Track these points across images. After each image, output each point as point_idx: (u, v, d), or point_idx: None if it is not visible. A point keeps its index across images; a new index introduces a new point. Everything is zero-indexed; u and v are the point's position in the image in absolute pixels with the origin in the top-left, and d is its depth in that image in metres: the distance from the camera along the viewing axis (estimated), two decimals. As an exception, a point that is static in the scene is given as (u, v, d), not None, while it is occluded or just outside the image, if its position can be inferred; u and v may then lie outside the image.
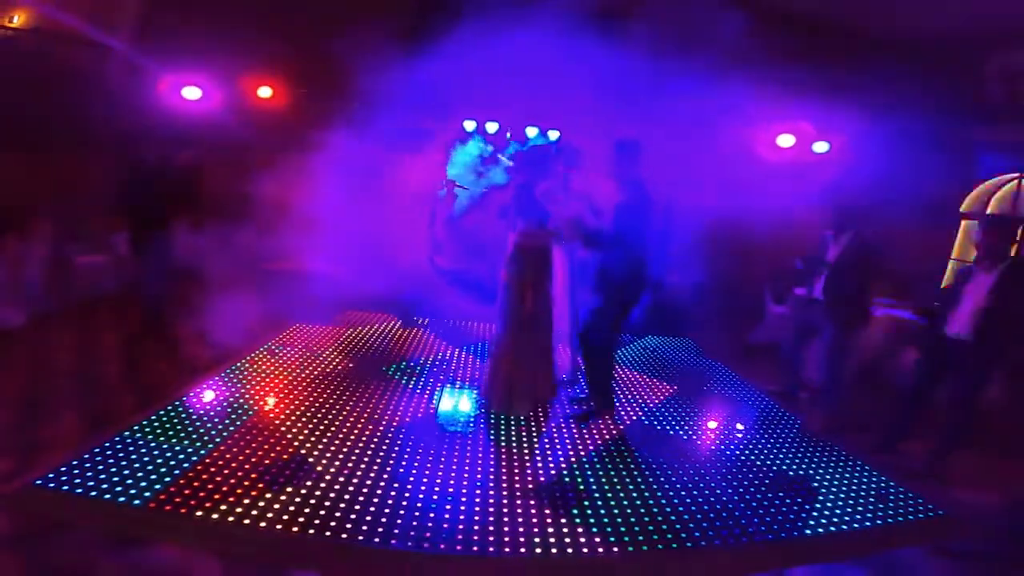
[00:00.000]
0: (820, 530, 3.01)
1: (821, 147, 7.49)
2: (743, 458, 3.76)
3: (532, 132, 7.20)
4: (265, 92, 7.26)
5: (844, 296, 4.38)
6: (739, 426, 4.32)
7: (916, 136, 6.65)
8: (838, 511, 3.21)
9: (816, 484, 3.50)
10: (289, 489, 2.89)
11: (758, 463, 3.71)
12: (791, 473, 3.62)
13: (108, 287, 6.21)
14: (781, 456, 3.84)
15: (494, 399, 3.98)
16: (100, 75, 7.56)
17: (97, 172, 7.30)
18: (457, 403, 4.19)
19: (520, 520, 2.82)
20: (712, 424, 4.34)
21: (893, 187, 6.25)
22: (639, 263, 3.80)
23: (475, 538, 2.65)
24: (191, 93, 7.29)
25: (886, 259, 4.67)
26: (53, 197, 6.52)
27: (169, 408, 3.63)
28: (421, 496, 2.94)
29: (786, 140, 7.53)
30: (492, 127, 7.08)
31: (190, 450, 3.15)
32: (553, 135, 7.23)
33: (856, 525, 3.10)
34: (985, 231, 3.63)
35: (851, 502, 3.32)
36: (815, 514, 3.15)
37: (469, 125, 7.13)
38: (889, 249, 4.73)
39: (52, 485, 2.72)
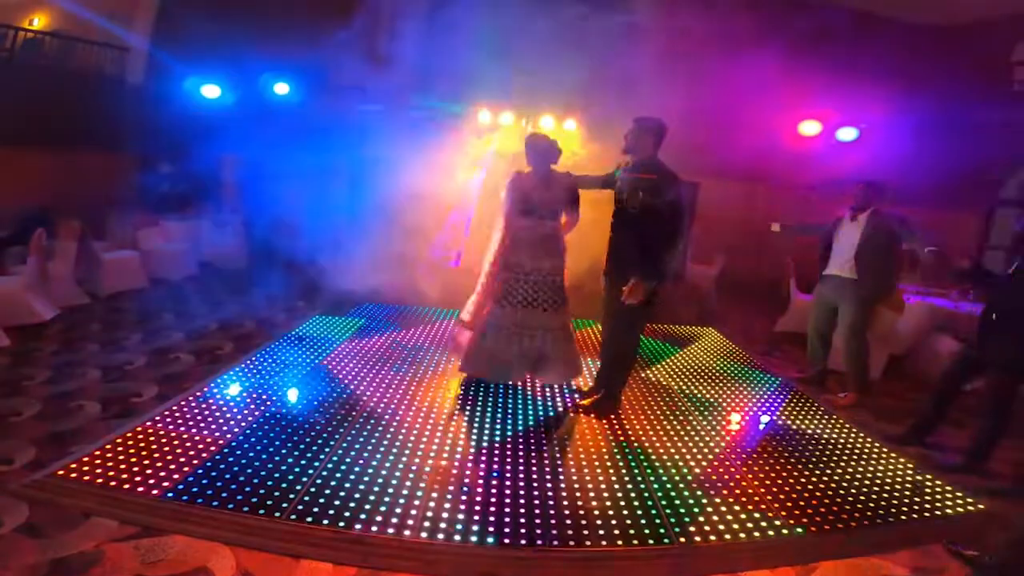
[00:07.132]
0: (853, 524, 2.89)
1: (847, 134, 7.26)
2: (768, 448, 3.64)
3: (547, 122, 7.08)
4: (282, 89, 7.32)
5: (871, 273, 4.42)
6: (764, 416, 4.19)
7: (943, 120, 6.39)
8: (871, 504, 3.08)
9: (848, 476, 3.37)
10: (304, 479, 2.88)
11: (785, 454, 3.59)
12: (820, 464, 3.49)
13: (135, 283, 6.32)
14: (810, 448, 3.71)
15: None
16: (122, 75, 7.73)
17: (122, 170, 7.48)
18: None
19: (523, 511, 2.78)
20: (735, 413, 4.22)
21: (919, 171, 6.02)
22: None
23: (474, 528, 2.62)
24: (210, 91, 7.40)
25: (905, 236, 4.61)
26: (81, 194, 6.67)
27: (190, 399, 3.67)
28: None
29: (811, 127, 7.33)
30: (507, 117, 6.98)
31: (209, 440, 3.17)
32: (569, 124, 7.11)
33: (891, 520, 2.97)
34: None
35: (884, 495, 3.19)
36: (847, 507, 3.03)
37: (484, 116, 7.04)
38: (909, 229, 4.63)
39: (74, 476, 2.76)
